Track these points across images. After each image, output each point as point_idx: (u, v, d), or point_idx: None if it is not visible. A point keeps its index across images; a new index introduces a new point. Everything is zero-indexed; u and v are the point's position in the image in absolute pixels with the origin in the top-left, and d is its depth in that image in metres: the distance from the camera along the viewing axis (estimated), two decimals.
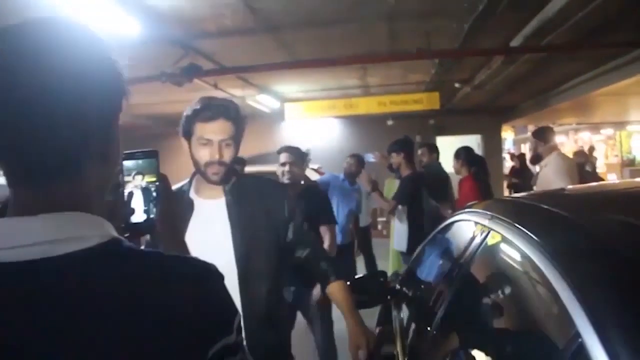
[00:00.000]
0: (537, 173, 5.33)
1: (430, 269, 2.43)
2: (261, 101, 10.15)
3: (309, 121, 12.46)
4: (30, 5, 4.36)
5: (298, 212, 1.96)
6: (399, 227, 5.33)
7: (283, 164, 4.00)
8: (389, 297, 2.60)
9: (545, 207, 1.28)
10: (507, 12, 5.23)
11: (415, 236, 4.71)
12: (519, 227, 1.21)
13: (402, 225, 5.25)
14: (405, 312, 2.35)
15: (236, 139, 1.83)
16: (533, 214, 1.32)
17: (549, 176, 4.54)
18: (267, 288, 1.82)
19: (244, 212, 1.84)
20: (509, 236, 1.25)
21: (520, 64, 7.36)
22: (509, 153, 23.99)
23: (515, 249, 1.21)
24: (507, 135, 23.24)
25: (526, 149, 23.48)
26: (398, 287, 2.64)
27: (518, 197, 2.19)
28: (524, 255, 1.12)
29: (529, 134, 21.50)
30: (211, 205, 1.86)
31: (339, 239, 6.01)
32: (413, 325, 2.13)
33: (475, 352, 1.37)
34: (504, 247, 1.35)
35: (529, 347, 1.14)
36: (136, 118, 12.04)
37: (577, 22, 5.34)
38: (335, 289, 1.96)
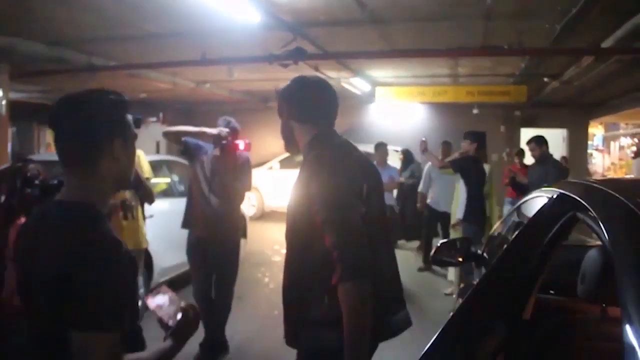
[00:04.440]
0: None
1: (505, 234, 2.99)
2: (354, 84, 10.70)
3: (397, 104, 12.84)
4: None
5: None
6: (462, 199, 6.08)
7: None
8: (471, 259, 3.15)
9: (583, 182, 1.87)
10: (599, 15, 5.50)
11: (472, 205, 5.84)
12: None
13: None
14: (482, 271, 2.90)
15: None
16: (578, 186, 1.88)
17: None
18: None
19: None
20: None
21: (611, 63, 7.44)
22: (596, 149, 23.38)
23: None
24: (597, 131, 22.55)
25: (616, 146, 22.84)
26: (479, 252, 3.20)
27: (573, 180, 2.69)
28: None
29: (621, 131, 20.91)
30: None
31: None
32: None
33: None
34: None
35: None
36: (232, 93, 12.93)
37: None
38: None
